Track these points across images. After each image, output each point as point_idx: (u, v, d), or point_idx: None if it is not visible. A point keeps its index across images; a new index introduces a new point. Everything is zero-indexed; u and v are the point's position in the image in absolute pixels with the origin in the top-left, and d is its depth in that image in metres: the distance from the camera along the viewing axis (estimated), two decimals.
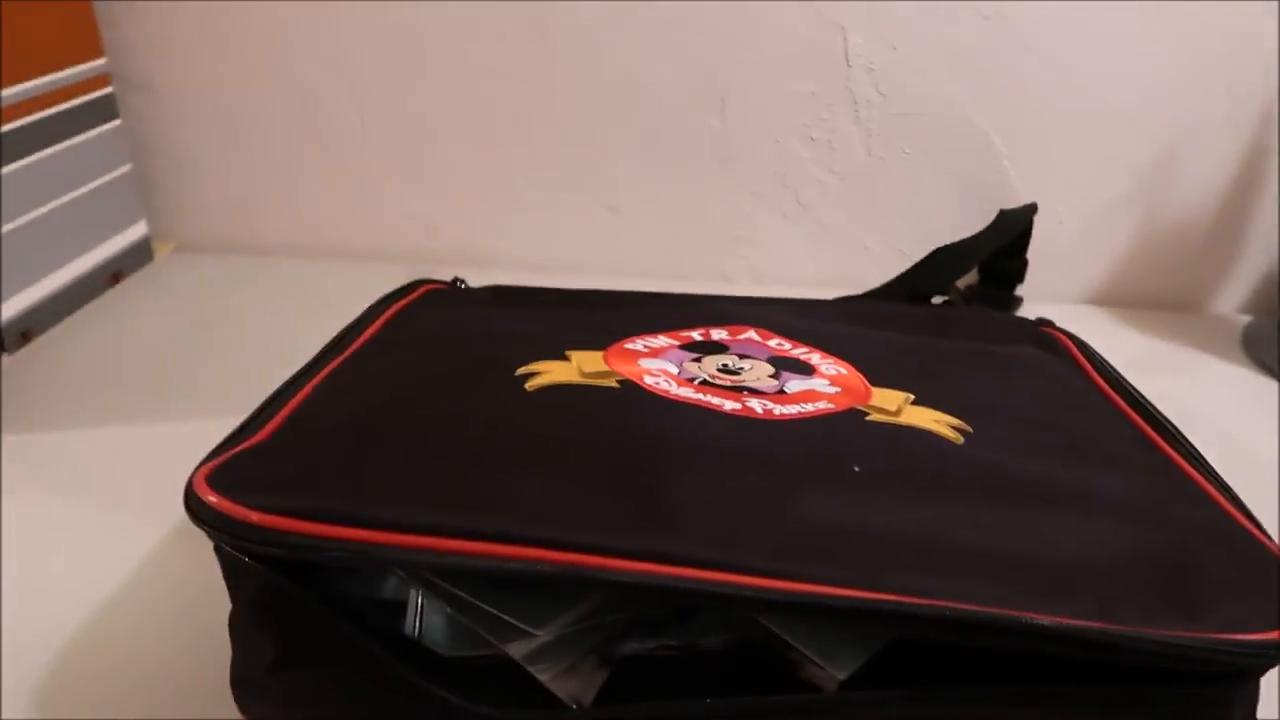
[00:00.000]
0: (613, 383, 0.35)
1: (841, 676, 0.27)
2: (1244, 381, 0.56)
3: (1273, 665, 0.26)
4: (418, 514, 0.27)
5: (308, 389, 0.35)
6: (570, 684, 0.27)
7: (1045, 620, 0.25)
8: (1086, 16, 0.59)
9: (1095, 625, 0.25)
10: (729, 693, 0.26)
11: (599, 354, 0.37)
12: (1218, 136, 0.62)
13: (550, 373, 0.35)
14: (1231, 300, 0.66)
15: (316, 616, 0.27)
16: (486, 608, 0.28)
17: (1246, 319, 0.63)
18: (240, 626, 0.29)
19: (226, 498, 0.27)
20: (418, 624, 0.30)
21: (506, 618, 0.27)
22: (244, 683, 0.30)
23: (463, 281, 0.51)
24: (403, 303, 0.46)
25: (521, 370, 0.35)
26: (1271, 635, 0.25)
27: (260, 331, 0.59)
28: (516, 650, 0.27)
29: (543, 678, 0.27)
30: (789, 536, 0.27)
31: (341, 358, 0.39)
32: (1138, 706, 0.26)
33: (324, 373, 0.37)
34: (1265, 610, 0.26)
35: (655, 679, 0.29)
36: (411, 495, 0.28)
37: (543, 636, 0.27)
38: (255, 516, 0.27)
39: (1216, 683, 0.26)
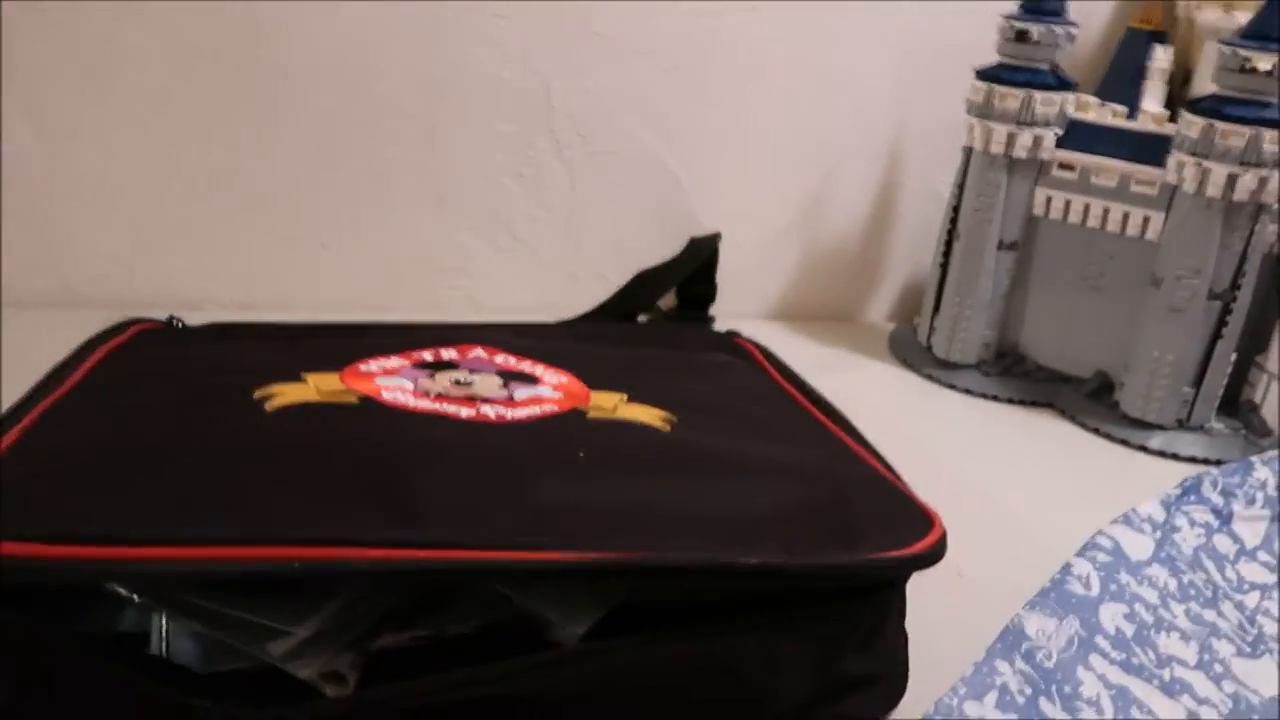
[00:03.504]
0: (352, 399, 0.37)
1: (579, 632, 0.30)
2: (891, 376, 0.67)
3: (908, 573, 0.33)
4: (163, 528, 0.27)
5: (15, 433, 0.34)
6: (328, 678, 0.29)
7: (746, 560, 0.30)
8: (751, 71, 0.69)
9: (781, 560, 0.31)
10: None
11: (335, 375, 0.39)
12: (857, 174, 0.74)
13: (288, 394, 0.36)
14: (879, 311, 0.79)
15: (50, 644, 0.27)
16: (239, 615, 0.29)
17: (891, 325, 0.76)
18: None
19: None
20: (164, 648, 0.30)
21: (262, 621, 0.28)
22: None
23: (179, 320, 0.50)
24: (113, 344, 0.44)
25: (259, 394, 0.36)
26: (901, 553, 0.32)
27: None
28: (276, 649, 0.28)
29: (302, 674, 0.28)
30: (525, 516, 0.30)
31: (50, 400, 0.37)
32: (820, 620, 0.32)
33: (31, 415, 0.35)
34: (899, 537, 0.33)
35: (411, 667, 0.31)
36: (154, 512, 0.28)
37: (301, 633, 0.28)
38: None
39: (871, 592, 0.33)
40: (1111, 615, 0.39)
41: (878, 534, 0.33)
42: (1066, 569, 0.41)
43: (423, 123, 0.66)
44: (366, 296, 0.70)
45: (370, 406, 0.36)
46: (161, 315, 0.49)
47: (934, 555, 0.33)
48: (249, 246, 0.68)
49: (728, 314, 0.69)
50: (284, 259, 0.69)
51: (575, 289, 0.72)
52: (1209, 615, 0.40)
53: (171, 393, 0.37)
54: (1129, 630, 0.38)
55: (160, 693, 0.27)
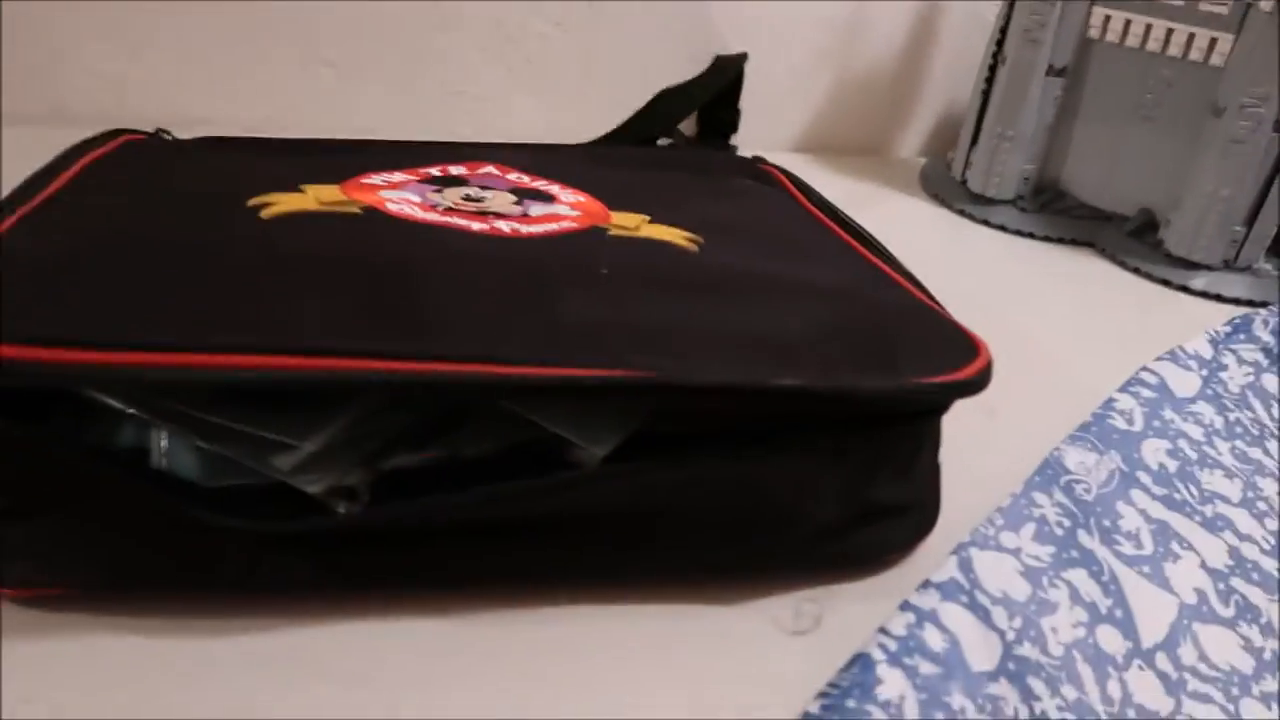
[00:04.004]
0: (355, 210, 0.34)
1: (602, 454, 0.29)
2: (923, 212, 0.64)
3: (948, 400, 0.31)
4: (166, 333, 0.25)
5: None
6: (339, 494, 0.27)
7: (779, 381, 0.28)
8: None
9: (817, 383, 0.28)
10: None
11: (336, 187, 0.36)
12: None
13: (285, 203, 0.33)
14: (911, 145, 0.74)
15: (46, 453, 0.25)
16: (242, 428, 0.27)
17: (923, 160, 0.72)
18: None
19: None
20: (163, 463, 0.29)
21: (267, 434, 0.27)
22: None
23: (167, 132, 0.46)
24: (97, 153, 0.41)
25: (254, 201, 0.33)
26: (945, 378, 0.30)
27: None
28: (284, 463, 0.27)
29: (310, 489, 0.27)
30: (546, 331, 0.28)
31: (29, 205, 0.34)
32: (855, 447, 0.30)
33: (8, 221, 0.33)
34: (942, 362, 0.31)
35: (425, 489, 0.30)
36: (155, 316, 0.26)
37: (309, 447, 0.27)
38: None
39: (909, 419, 0.31)
40: (1154, 450, 0.37)
41: (919, 359, 0.31)
42: (1109, 404, 0.39)
43: None
44: (369, 118, 0.66)
45: (374, 216, 0.33)
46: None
47: (979, 383, 0.31)
48: (248, 64, 0.63)
49: (751, 144, 0.65)
50: (285, 78, 0.64)
51: (590, 114, 0.68)
52: (1255, 454, 0.39)
53: (160, 199, 0.34)
54: (1172, 466, 0.37)
55: (161, 502, 0.26)
